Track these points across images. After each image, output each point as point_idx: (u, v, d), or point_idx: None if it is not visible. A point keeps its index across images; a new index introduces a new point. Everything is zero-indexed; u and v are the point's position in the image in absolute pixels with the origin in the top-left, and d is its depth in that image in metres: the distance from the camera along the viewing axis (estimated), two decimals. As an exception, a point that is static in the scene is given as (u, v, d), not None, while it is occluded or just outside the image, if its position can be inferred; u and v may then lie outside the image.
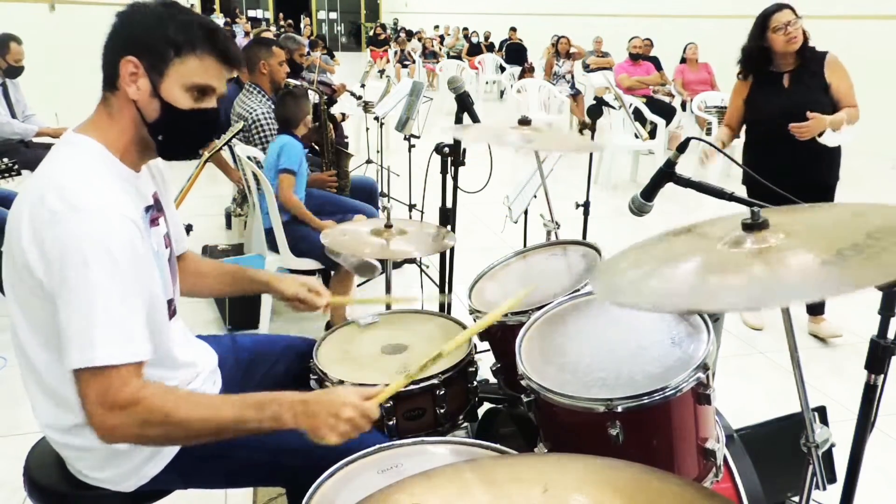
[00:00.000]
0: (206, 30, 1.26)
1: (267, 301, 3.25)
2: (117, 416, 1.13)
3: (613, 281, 1.14)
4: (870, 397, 1.28)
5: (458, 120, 2.39)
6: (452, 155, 2.32)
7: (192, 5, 16.84)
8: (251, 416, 1.20)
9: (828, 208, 1.20)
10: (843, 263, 0.90)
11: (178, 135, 1.31)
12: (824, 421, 1.84)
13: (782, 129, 2.96)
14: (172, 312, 1.41)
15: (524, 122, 1.98)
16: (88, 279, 1.12)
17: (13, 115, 4.65)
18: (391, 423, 1.56)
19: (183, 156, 1.36)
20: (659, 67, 8.04)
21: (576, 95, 9.01)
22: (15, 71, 4.65)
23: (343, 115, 5.48)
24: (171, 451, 1.37)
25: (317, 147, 4.06)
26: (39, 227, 1.14)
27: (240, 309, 3.36)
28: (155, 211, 1.37)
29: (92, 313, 1.12)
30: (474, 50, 14.24)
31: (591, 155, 2.81)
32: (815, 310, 3.39)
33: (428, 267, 3.84)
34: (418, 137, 3.92)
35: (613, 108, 5.75)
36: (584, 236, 2.71)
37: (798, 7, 3.03)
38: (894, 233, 0.95)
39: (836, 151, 3.09)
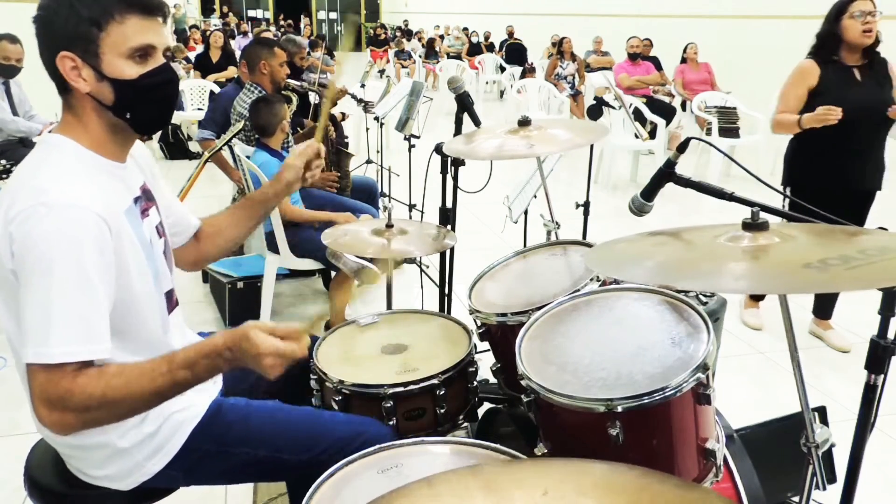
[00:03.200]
0: None
1: (267, 301, 3.26)
2: (56, 411, 1.13)
3: (607, 255, 1.23)
4: (870, 397, 1.28)
5: (458, 120, 2.39)
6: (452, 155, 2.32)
7: (176, 6, 16.78)
8: (185, 376, 1.19)
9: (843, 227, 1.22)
10: (824, 269, 0.95)
11: (142, 105, 1.27)
12: (824, 421, 1.84)
13: (856, 125, 2.83)
14: (174, 304, 1.41)
15: (524, 122, 1.98)
16: (51, 276, 1.12)
17: (15, 114, 4.64)
18: (391, 422, 1.56)
19: (159, 124, 1.34)
20: (659, 67, 8.04)
21: (576, 95, 9.02)
22: (9, 70, 4.61)
23: (343, 114, 5.48)
24: (172, 449, 1.37)
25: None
26: (10, 224, 1.14)
27: (240, 308, 3.36)
28: (145, 201, 1.36)
29: (50, 310, 1.12)
30: (474, 50, 14.24)
31: (591, 155, 2.81)
32: (822, 312, 3.34)
33: (428, 267, 3.84)
34: (418, 137, 3.92)
35: (613, 108, 5.75)
36: (584, 236, 2.71)
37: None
38: (886, 251, 0.99)
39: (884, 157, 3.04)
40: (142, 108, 1.28)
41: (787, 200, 2.89)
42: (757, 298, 3.53)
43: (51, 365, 1.12)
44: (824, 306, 3.33)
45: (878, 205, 3.10)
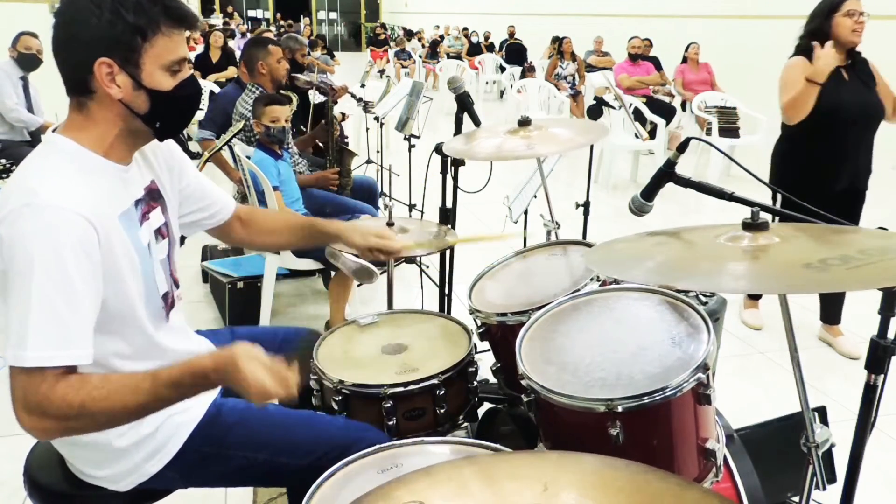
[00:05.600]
0: (160, 4, 1.21)
1: (267, 301, 3.25)
2: (35, 417, 1.12)
3: (607, 255, 1.24)
4: (870, 397, 1.28)
5: (458, 120, 2.39)
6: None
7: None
8: (169, 394, 1.17)
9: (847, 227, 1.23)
10: (824, 269, 0.96)
11: (173, 115, 1.29)
12: (824, 421, 1.84)
13: (848, 124, 2.85)
14: (170, 306, 1.40)
15: (524, 122, 1.98)
16: (31, 278, 1.10)
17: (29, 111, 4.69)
18: (391, 423, 1.56)
19: (179, 132, 1.37)
20: (659, 67, 8.04)
21: (576, 95, 9.02)
22: (30, 60, 4.61)
23: (343, 114, 5.49)
24: (171, 450, 1.37)
25: (321, 145, 4.07)
26: (0, 225, 1.13)
27: (240, 308, 3.36)
28: (147, 203, 1.34)
29: (28, 313, 1.10)
30: (474, 50, 14.24)
31: (591, 155, 2.81)
32: (830, 318, 3.25)
33: (428, 267, 3.84)
34: (418, 137, 3.92)
35: (613, 108, 5.74)
36: (584, 236, 2.71)
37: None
38: (886, 251, 1.00)
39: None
40: (171, 118, 1.30)
41: (781, 199, 2.87)
42: (755, 298, 3.53)
43: (29, 369, 1.10)
44: (831, 312, 3.25)
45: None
